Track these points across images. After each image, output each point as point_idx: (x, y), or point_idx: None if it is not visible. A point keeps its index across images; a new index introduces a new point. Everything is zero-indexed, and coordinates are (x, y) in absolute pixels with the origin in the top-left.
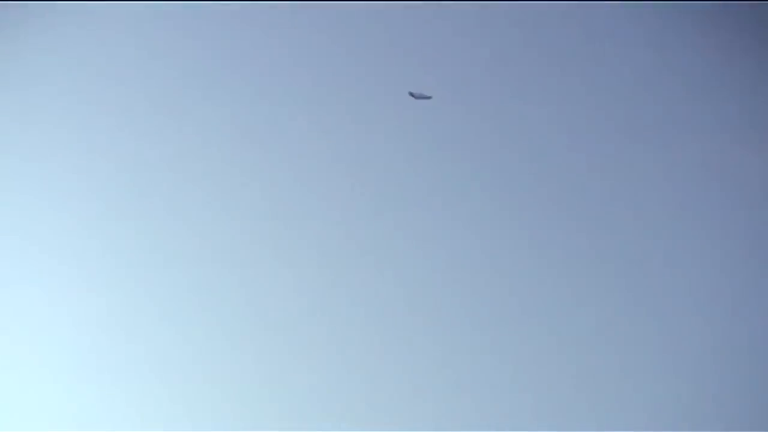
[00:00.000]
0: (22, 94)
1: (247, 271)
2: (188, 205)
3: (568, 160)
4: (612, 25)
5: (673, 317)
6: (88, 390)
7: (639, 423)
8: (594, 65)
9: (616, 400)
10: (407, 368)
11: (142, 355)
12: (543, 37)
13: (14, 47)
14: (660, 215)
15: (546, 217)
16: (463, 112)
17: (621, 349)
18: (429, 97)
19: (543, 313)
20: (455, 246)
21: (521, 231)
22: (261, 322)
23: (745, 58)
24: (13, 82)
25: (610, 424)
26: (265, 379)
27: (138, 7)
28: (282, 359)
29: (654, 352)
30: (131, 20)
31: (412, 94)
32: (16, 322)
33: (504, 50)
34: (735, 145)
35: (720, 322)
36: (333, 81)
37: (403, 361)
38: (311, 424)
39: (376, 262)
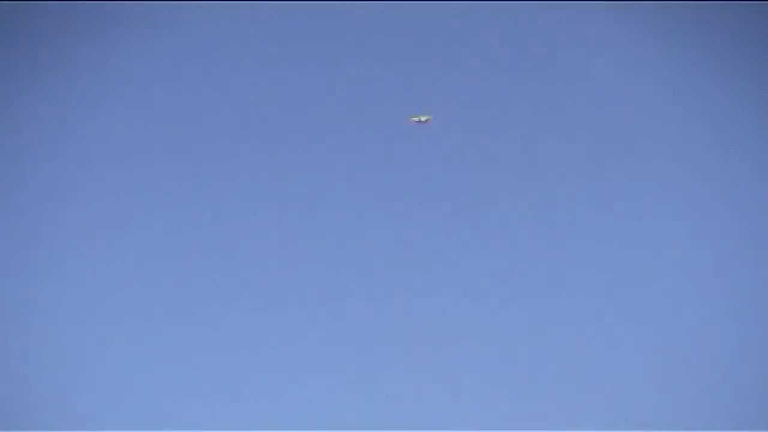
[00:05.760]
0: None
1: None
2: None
3: (565, 159)
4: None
5: (672, 318)
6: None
7: (638, 423)
8: (593, 66)
9: (615, 400)
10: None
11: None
12: (538, 39)
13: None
14: (657, 216)
15: (543, 216)
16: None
17: (620, 351)
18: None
19: (541, 313)
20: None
21: (519, 229)
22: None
23: (744, 58)
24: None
25: (610, 424)
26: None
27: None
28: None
29: (652, 353)
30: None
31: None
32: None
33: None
34: (734, 145)
35: (720, 323)
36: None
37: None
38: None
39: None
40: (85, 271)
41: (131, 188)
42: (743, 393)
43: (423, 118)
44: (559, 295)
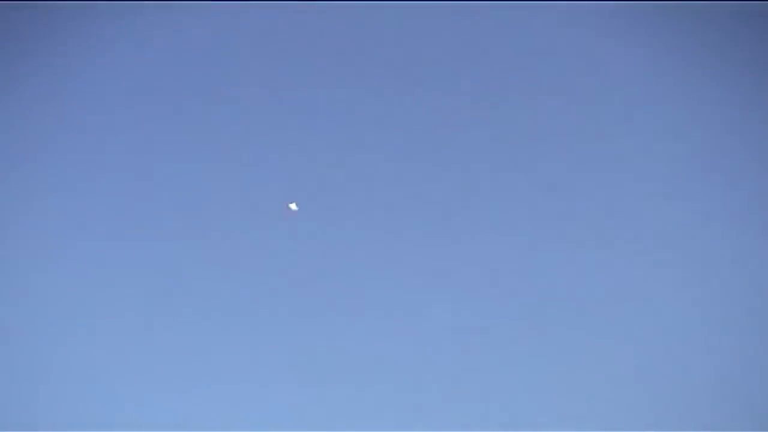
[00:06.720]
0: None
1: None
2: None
3: (565, 159)
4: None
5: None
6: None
7: (637, 423)
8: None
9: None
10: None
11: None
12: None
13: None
14: (657, 216)
15: (541, 217)
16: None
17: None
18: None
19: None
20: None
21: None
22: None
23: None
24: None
25: (610, 424)
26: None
27: None
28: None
29: (653, 354)
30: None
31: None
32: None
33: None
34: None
35: (720, 323)
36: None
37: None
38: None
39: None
40: (85, 270)
41: (131, 186)
42: (743, 393)
43: (293, 207)
44: (560, 296)
